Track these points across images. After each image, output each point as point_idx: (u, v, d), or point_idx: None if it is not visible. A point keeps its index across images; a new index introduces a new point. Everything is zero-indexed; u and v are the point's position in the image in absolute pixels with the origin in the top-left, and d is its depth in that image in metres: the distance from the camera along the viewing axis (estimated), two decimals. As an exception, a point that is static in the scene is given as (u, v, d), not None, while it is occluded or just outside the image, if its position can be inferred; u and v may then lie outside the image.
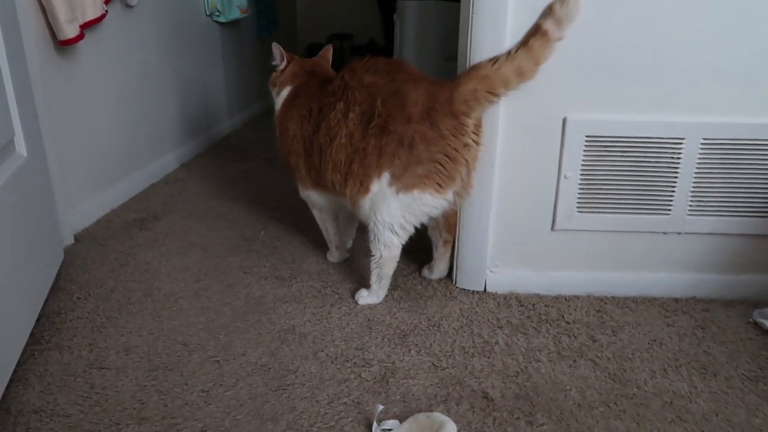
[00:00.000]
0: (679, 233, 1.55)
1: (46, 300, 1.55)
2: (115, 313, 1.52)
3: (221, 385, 1.24)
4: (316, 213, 1.78)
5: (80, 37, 1.90)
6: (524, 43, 1.37)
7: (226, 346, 1.38)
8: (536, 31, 1.37)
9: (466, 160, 1.42)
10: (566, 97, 1.46)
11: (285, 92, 1.68)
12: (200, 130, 3.25)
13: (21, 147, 1.47)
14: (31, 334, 1.40)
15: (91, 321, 1.48)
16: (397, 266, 1.56)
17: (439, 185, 1.43)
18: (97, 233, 2.03)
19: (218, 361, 1.32)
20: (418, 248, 1.73)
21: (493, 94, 1.38)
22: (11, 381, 1.24)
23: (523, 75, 1.37)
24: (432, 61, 3.18)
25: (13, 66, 1.42)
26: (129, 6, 2.35)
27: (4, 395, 1.19)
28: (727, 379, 1.27)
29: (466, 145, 1.41)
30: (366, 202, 1.48)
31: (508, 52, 1.38)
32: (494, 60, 1.37)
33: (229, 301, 1.59)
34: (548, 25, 1.36)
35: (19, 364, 1.29)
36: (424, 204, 1.45)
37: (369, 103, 1.43)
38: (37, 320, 1.46)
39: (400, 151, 1.40)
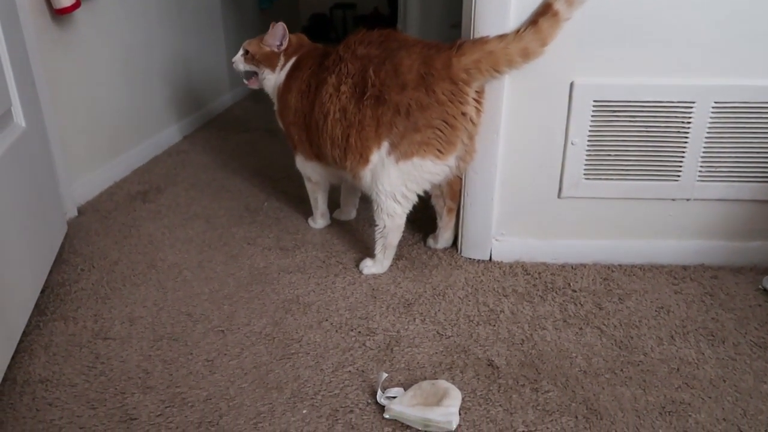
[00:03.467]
0: (688, 200, 1.52)
1: (51, 272, 1.55)
2: (119, 284, 1.52)
3: (225, 354, 1.24)
4: (308, 184, 1.79)
5: (76, 5, 1.86)
6: (533, 22, 1.34)
7: (231, 316, 1.38)
8: (546, 10, 1.33)
9: (466, 127, 1.40)
10: (574, 60, 1.42)
11: (289, 64, 1.64)
12: (203, 101, 3.22)
13: (19, 117, 1.46)
14: (36, 306, 1.41)
15: (96, 292, 1.48)
16: (402, 236, 1.55)
17: (440, 151, 1.40)
18: (101, 205, 2.02)
19: (222, 331, 1.32)
20: (423, 218, 1.71)
21: (496, 71, 1.36)
22: (17, 351, 1.24)
23: (528, 56, 1.35)
24: (436, 29, 3.12)
25: (8, 35, 1.39)
26: (126, -26, 2.30)
27: (10, 365, 1.20)
28: (735, 345, 1.26)
29: (464, 113, 1.38)
30: (367, 174, 1.46)
31: (517, 30, 1.35)
32: (502, 37, 1.35)
33: (233, 272, 1.58)
34: (559, 5, 1.32)
35: (24, 334, 1.30)
36: (425, 171, 1.42)
37: (361, 74, 1.41)
38: (42, 292, 1.46)
39: (397, 119, 1.38)
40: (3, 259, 1.19)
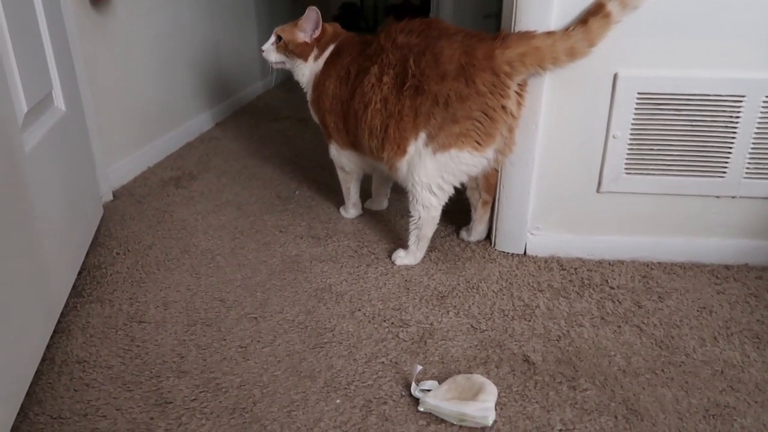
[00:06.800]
0: (733, 197, 1.47)
1: (87, 254, 1.58)
2: (154, 268, 1.53)
3: (259, 341, 1.24)
4: (341, 174, 1.77)
5: (115, -9, 1.88)
6: (583, 21, 1.31)
7: (263, 304, 1.38)
8: (598, 10, 1.30)
9: (506, 120, 1.37)
10: (618, 51, 1.37)
11: (327, 52, 1.61)
12: (235, 89, 3.23)
13: (59, 101, 1.47)
14: (73, 287, 1.43)
15: (131, 276, 1.50)
16: (435, 227, 1.53)
17: (478, 143, 1.38)
18: (135, 190, 2.04)
19: (255, 317, 1.32)
20: (456, 210, 1.69)
21: (541, 67, 1.34)
22: (55, 332, 1.26)
23: (574, 55, 1.33)
24: (470, 19, 3.08)
25: (50, 20, 1.40)
26: (163, -40, 2.31)
27: (48, 345, 1.22)
28: (782, 349, 1.22)
29: (504, 107, 1.35)
30: (403, 165, 1.44)
31: (566, 29, 1.32)
32: (550, 34, 1.32)
33: (265, 259, 1.58)
34: (612, 6, 1.29)
35: (62, 315, 1.32)
36: (463, 163, 1.40)
37: (402, 64, 1.39)
38: (79, 273, 1.48)
39: (435, 109, 1.35)
40: (44, 240, 1.20)
